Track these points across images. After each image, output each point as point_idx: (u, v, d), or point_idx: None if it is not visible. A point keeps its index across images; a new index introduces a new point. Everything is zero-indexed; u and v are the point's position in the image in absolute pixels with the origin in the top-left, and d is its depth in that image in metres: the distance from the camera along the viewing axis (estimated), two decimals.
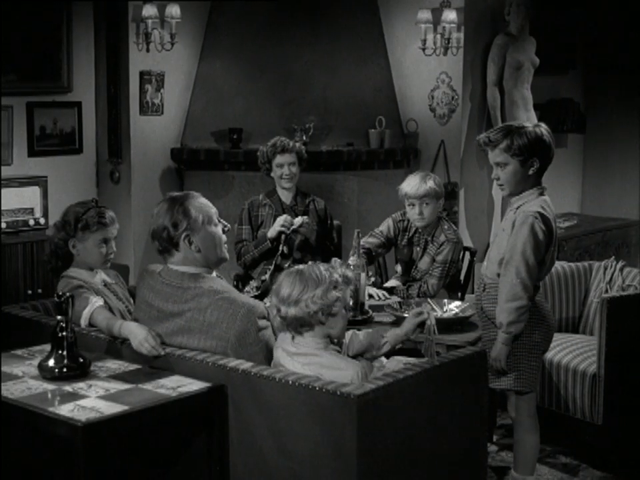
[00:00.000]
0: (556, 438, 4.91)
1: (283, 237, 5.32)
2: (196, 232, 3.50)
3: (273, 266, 5.31)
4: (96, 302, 3.68)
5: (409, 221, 5.18)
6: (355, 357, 3.55)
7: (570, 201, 8.33)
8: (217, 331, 3.36)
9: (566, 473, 4.57)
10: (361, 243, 4.90)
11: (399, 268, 5.30)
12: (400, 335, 3.62)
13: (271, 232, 5.34)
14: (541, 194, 3.91)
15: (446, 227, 5.12)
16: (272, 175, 5.52)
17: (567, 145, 8.15)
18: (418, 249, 5.18)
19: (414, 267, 5.19)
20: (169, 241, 3.50)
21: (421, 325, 3.58)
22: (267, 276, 5.27)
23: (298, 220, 5.32)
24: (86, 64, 6.62)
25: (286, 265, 5.25)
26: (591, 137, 8.31)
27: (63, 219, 3.98)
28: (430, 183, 5.02)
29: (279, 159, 5.44)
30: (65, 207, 4.10)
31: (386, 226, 5.28)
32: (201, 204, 3.55)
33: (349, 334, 3.56)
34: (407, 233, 5.22)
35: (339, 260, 4.26)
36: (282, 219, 5.32)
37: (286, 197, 5.53)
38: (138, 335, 3.41)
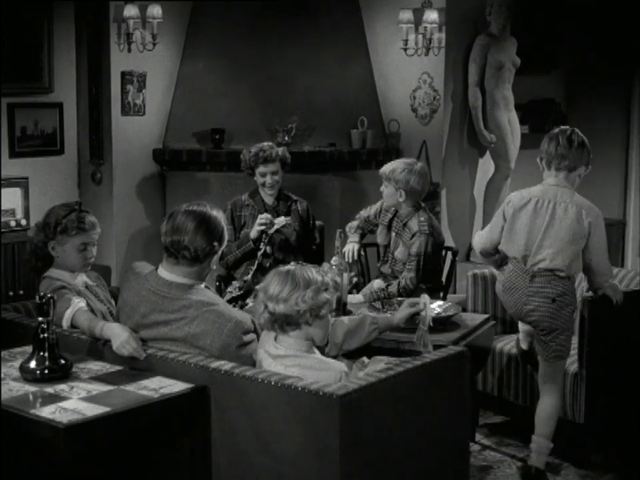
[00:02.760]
0: None
1: (264, 235, 5.32)
2: (216, 254, 3.52)
3: (255, 266, 5.31)
4: (78, 303, 3.67)
5: None
6: (337, 353, 3.59)
7: None
8: (201, 342, 3.35)
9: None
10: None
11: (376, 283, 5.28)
12: (392, 322, 3.75)
13: (253, 232, 5.34)
14: None
15: (422, 218, 5.07)
16: (255, 178, 5.52)
17: None
18: (393, 234, 5.20)
19: (391, 255, 5.22)
20: (192, 257, 3.42)
21: (415, 315, 3.65)
22: (250, 276, 5.27)
23: (280, 220, 5.32)
24: (67, 64, 6.60)
25: (267, 265, 5.26)
26: None
27: (44, 221, 3.97)
28: (392, 167, 5.10)
29: (261, 168, 5.43)
30: (46, 208, 4.07)
31: (374, 207, 5.39)
32: (223, 223, 3.53)
33: (331, 321, 3.56)
34: (388, 214, 5.27)
35: (328, 264, 4.27)
36: (261, 217, 5.32)
37: (268, 197, 5.54)
38: (119, 336, 3.40)
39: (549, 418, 4.47)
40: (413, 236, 5.03)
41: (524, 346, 4.78)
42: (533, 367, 4.74)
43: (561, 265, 4.34)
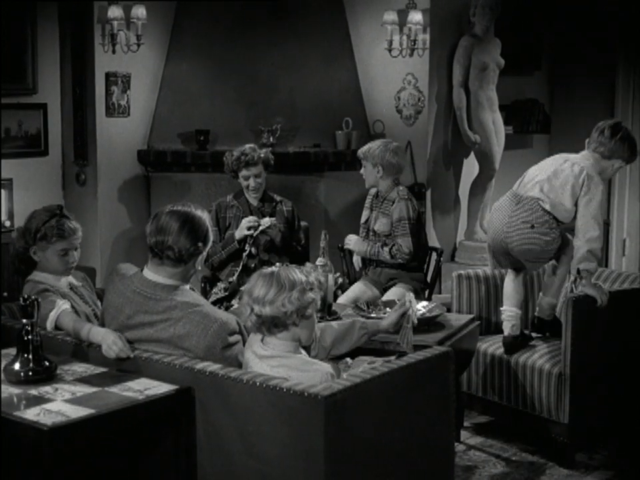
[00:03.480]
0: (522, 437, 4.95)
1: (249, 237, 5.32)
2: (201, 254, 3.51)
3: (240, 267, 5.31)
4: (62, 305, 3.66)
5: None
6: (325, 357, 3.59)
7: None
8: (186, 343, 3.35)
9: (532, 471, 4.59)
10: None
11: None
12: (381, 327, 3.80)
13: (238, 233, 5.34)
14: None
15: (401, 188, 5.42)
16: (238, 181, 5.53)
17: (532, 146, 8.21)
18: (374, 212, 5.46)
19: (372, 232, 5.43)
20: (176, 258, 3.41)
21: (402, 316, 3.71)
22: (235, 277, 5.27)
23: (265, 220, 5.33)
24: (51, 65, 6.58)
25: (252, 265, 5.26)
26: (555, 138, 8.36)
27: (25, 226, 3.95)
28: (368, 146, 5.43)
29: (244, 172, 5.44)
30: (30, 210, 4.06)
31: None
32: (208, 224, 3.53)
33: (320, 325, 3.57)
34: (370, 197, 5.58)
35: (310, 264, 4.29)
36: (247, 220, 5.32)
37: (253, 198, 5.54)
38: (107, 339, 3.39)
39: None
40: (393, 203, 5.31)
41: (505, 330, 4.88)
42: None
43: (547, 198, 4.69)
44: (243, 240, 5.34)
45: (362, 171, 5.46)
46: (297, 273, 3.30)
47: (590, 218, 4.63)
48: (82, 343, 3.52)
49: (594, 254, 4.61)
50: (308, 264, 3.75)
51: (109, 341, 3.38)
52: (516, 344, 4.84)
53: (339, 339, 3.67)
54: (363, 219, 5.57)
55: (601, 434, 4.88)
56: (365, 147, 5.45)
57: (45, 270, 3.92)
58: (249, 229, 5.29)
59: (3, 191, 6.03)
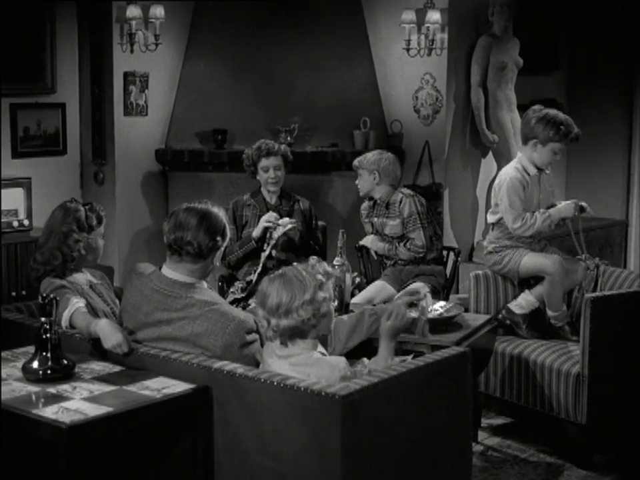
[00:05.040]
0: (540, 437, 4.93)
1: (268, 235, 5.32)
2: (219, 249, 3.53)
3: (260, 267, 5.30)
4: (76, 303, 3.65)
5: None
6: (342, 351, 3.60)
7: None
8: (204, 341, 3.36)
9: (550, 472, 4.58)
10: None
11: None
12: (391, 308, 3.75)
13: (256, 231, 5.34)
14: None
15: (402, 188, 5.51)
16: (257, 177, 5.53)
17: None
18: (376, 219, 5.48)
19: (385, 237, 5.46)
20: (196, 253, 3.43)
21: (412, 305, 3.68)
22: (253, 276, 5.26)
23: (285, 221, 5.32)
24: (70, 65, 6.61)
25: (271, 266, 5.26)
26: None
27: (68, 227, 3.90)
28: (362, 156, 5.53)
29: (264, 162, 5.45)
30: (49, 209, 4.09)
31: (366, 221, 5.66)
32: (224, 219, 3.54)
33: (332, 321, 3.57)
34: (365, 211, 5.63)
35: (315, 257, 4.26)
36: (266, 216, 5.33)
37: (270, 197, 5.54)
38: (112, 339, 3.40)
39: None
40: (400, 203, 5.36)
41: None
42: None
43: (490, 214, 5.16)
44: (261, 239, 5.34)
45: (357, 181, 5.52)
46: (304, 274, 3.29)
47: (508, 211, 4.95)
48: (99, 341, 3.52)
49: (525, 217, 4.96)
50: (312, 258, 3.68)
51: (114, 342, 3.40)
52: (501, 321, 5.05)
53: (351, 330, 3.67)
54: (367, 232, 5.63)
55: (619, 435, 4.85)
56: (360, 157, 5.54)
57: (79, 266, 3.96)
58: (267, 222, 5.29)
59: (21, 190, 6.05)
